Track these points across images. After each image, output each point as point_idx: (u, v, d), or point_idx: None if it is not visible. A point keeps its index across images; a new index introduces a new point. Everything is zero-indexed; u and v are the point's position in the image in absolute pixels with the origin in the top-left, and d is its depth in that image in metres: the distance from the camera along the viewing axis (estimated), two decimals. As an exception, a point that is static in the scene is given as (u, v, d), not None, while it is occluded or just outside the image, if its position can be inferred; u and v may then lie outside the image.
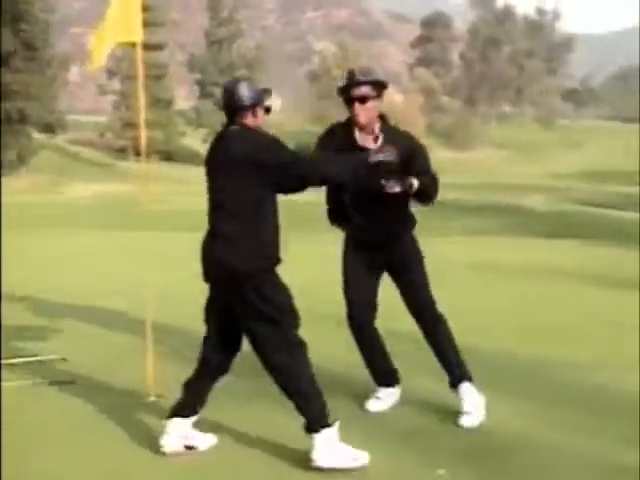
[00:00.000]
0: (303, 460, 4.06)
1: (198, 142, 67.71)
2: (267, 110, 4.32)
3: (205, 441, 4.34)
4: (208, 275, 4.26)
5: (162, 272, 9.18)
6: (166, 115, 60.07)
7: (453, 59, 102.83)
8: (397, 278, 4.95)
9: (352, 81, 4.73)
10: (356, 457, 4.06)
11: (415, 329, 4.95)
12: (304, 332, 4.24)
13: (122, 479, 3.99)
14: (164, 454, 4.20)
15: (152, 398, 5.05)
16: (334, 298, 5.26)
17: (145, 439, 4.43)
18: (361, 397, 5.10)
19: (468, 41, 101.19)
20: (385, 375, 5.11)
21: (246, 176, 4.06)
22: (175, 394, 5.11)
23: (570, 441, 4.42)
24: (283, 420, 4.43)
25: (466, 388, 4.85)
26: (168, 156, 60.69)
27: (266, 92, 4.32)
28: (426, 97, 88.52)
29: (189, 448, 4.25)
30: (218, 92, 67.54)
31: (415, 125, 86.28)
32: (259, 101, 4.25)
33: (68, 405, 5.02)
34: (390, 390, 5.10)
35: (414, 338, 5.06)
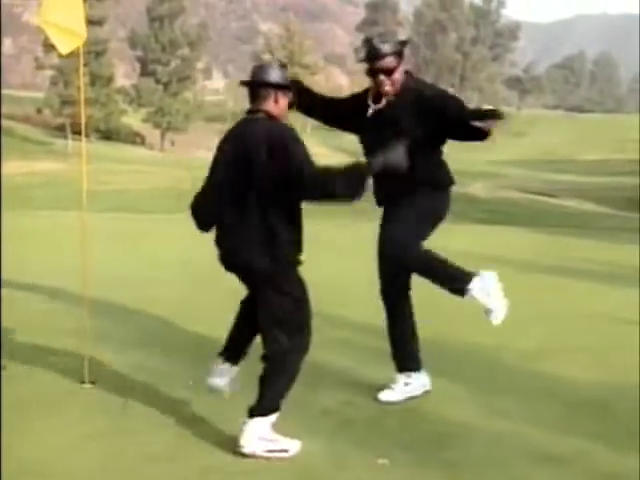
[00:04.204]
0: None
1: (138, 121, 66.83)
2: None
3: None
4: None
5: (99, 253, 9.02)
6: (106, 93, 59.08)
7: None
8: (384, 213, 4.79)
9: (375, 53, 4.56)
10: (285, 447, 4.05)
11: (366, 318, 4.91)
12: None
13: (48, 469, 3.88)
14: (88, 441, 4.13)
15: (87, 385, 4.95)
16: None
17: (74, 426, 4.34)
18: (305, 385, 5.07)
19: (413, 26, 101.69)
20: (401, 360, 4.92)
21: None
22: (112, 379, 5.05)
23: (510, 429, 4.46)
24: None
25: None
26: (107, 135, 59.81)
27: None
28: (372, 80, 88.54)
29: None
30: (160, 70, 66.81)
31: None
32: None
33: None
34: (404, 377, 4.90)
35: (359, 326, 5.03)
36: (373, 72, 4.60)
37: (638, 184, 29.99)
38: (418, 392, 4.88)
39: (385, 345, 4.97)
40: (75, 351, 5.45)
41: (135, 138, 66.67)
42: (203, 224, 4.22)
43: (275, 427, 4.16)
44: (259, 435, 4.00)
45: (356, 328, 4.75)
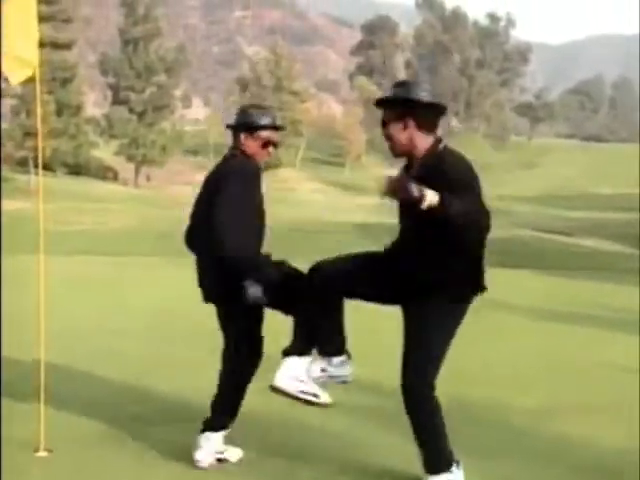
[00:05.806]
0: None
1: (110, 154, 67.06)
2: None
3: (235, 454, 4.69)
4: None
5: (62, 301, 8.96)
6: (74, 123, 59.31)
7: (397, 67, 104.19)
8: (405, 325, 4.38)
9: (379, 101, 4.23)
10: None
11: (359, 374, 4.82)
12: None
13: None
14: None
15: (42, 453, 4.89)
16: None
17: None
18: (291, 457, 5.02)
19: (413, 48, 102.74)
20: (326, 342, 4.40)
21: None
22: (70, 446, 4.98)
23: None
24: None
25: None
26: (76, 169, 59.95)
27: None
28: (367, 109, 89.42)
29: (221, 461, 4.63)
30: (134, 97, 67.20)
31: (356, 140, 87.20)
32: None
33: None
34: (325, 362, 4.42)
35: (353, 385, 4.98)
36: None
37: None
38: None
39: (382, 406, 4.91)
40: (30, 416, 5.38)
41: (107, 173, 66.85)
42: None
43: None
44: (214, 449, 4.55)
45: (349, 387, 4.70)
